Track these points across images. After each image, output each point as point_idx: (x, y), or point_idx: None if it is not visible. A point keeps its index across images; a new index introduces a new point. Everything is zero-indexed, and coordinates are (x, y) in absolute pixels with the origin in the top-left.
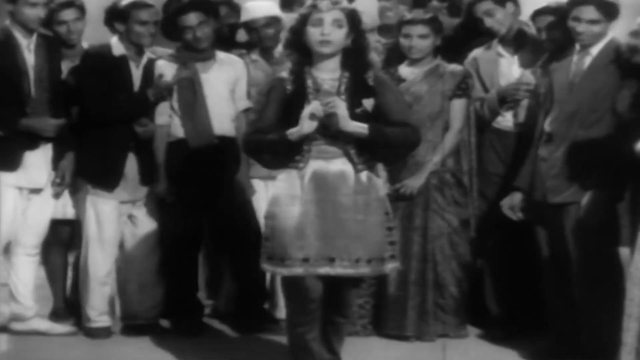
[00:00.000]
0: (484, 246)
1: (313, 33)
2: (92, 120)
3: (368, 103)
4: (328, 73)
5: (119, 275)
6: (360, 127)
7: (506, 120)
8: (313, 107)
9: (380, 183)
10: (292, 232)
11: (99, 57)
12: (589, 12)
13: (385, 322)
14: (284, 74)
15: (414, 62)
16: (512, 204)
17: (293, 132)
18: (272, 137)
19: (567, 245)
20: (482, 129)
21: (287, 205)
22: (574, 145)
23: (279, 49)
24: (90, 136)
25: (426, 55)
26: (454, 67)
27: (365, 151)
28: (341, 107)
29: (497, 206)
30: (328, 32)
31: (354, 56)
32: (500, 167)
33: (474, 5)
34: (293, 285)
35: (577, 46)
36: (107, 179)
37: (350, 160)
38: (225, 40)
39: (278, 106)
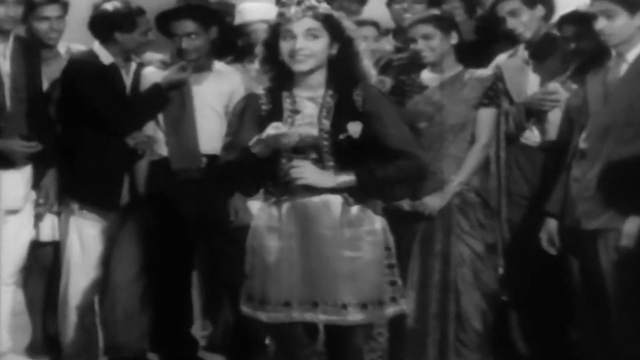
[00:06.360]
0: (510, 275)
1: (284, 47)
2: (113, 132)
3: (353, 128)
4: (309, 91)
5: (102, 304)
6: (344, 179)
7: (534, 136)
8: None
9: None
10: (272, 270)
11: (90, 65)
12: (603, 4)
13: (403, 357)
14: (260, 90)
15: (434, 67)
16: (549, 234)
17: (254, 143)
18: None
19: (604, 277)
20: (507, 145)
21: (266, 239)
22: (609, 164)
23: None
24: (82, 153)
25: (441, 58)
26: (481, 72)
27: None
28: (309, 172)
29: (523, 231)
30: (301, 47)
31: (340, 69)
32: (525, 188)
33: (498, 4)
34: (279, 330)
35: (613, 52)
36: (106, 199)
37: (342, 195)
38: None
39: (253, 129)
